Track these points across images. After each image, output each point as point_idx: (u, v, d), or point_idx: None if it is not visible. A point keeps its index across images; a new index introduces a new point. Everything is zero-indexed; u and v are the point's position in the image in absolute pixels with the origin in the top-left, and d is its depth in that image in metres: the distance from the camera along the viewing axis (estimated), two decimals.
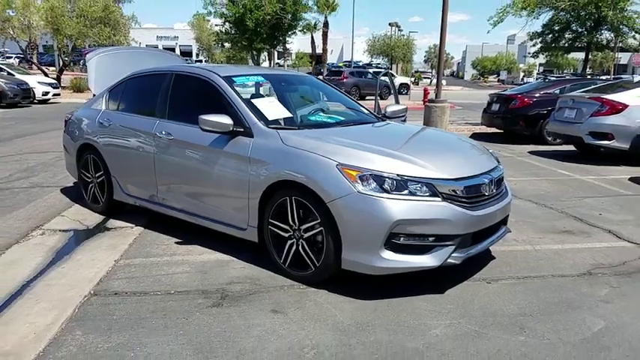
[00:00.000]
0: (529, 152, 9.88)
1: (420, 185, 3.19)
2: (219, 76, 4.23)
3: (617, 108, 8.33)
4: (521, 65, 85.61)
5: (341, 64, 50.64)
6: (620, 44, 21.02)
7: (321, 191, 3.23)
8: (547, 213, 5.43)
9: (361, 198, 3.12)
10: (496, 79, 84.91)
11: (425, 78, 63.94)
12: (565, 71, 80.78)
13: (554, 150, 10.17)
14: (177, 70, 4.61)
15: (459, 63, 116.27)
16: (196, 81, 4.41)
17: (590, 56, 58.05)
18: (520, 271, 3.79)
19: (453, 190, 3.27)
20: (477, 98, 26.63)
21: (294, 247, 3.52)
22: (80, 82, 28.02)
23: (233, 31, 15.47)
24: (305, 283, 3.47)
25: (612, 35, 18.71)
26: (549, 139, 10.80)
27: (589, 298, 3.34)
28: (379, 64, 72.52)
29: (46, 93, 21.40)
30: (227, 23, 15.22)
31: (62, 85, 25.86)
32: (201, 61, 51.35)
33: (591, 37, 18.39)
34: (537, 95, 11.61)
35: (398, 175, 3.18)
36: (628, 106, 8.28)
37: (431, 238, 3.21)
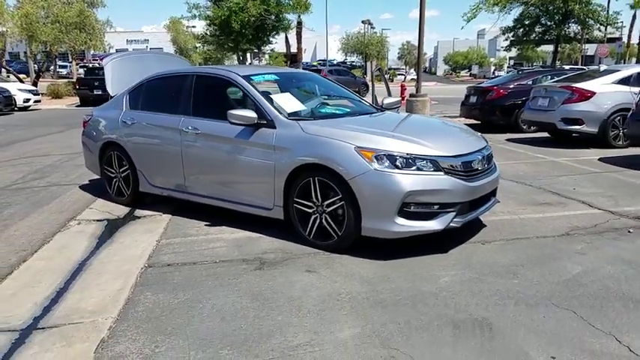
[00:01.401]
0: (506, 140, 10.62)
1: (425, 162, 3.80)
2: (239, 75, 4.77)
3: (586, 95, 9.11)
4: (492, 59, 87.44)
5: (315, 63, 51.15)
6: (587, 36, 22.17)
7: (342, 171, 3.81)
8: (527, 189, 6.11)
9: (377, 174, 3.71)
10: (468, 74, 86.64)
11: (399, 74, 64.94)
12: (535, 64, 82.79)
13: (529, 137, 10.92)
14: (197, 72, 5.14)
15: (430, 59, 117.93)
16: (218, 80, 4.95)
17: (559, 48, 59.98)
18: (508, 235, 4.43)
19: (453, 165, 3.89)
20: (450, 93, 27.59)
21: (317, 221, 4.09)
22: (58, 89, 28.03)
23: (218, 33, 15.92)
24: (329, 250, 4.04)
25: (579, 28, 19.79)
26: (524, 127, 11.58)
27: (568, 252, 3.99)
28: (353, 62, 73.38)
29: (27, 100, 21.42)
30: (212, 26, 15.65)
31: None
32: None
33: (560, 30, 19.45)
34: (512, 87, 12.37)
35: (407, 153, 3.79)
36: (595, 93, 9.06)
37: (436, 206, 3.82)
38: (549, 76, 12.34)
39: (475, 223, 4.58)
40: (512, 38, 21.57)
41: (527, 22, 20.07)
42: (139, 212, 5.44)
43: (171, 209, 5.42)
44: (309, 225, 4.14)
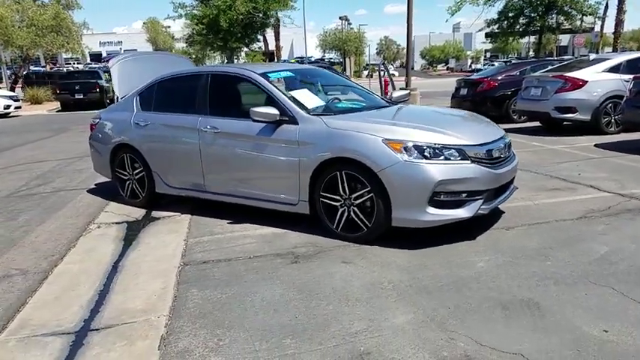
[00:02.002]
0: None
1: (452, 151, 3.89)
2: (256, 73, 4.81)
3: (579, 84, 9.34)
4: (468, 52, 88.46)
5: (293, 60, 51.17)
6: (570, 26, 22.65)
7: (371, 163, 3.88)
8: (534, 177, 6.27)
9: (407, 165, 3.80)
10: (445, 68, 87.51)
11: (380, 70, 65.18)
12: (510, 56, 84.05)
13: (521, 127, 11.15)
14: (212, 71, 5.15)
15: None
16: (235, 79, 4.99)
17: (533, 39, 60.94)
18: (529, 220, 4.56)
19: (478, 154, 3.99)
20: (430, 87, 27.93)
21: (345, 214, 4.16)
22: (38, 94, 27.52)
23: (205, 32, 15.81)
24: (358, 242, 4.11)
25: (562, 18, 20.22)
26: (515, 117, 11.82)
27: (590, 234, 4.14)
28: (331, 58, 73.45)
29: (8, 107, 21.04)
30: (199, 25, 15.54)
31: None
32: None
33: (543, 22, 19.85)
34: (501, 78, 12.62)
35: (435, 143, 3.88)
36: (587, 81, 9.30)
37: (464, 194, 3.92)
38: (537, 67, 12.58)
39: (494, 210, 4.69)
40: (496, 30, 21.93)
41: (510, 15, 20.47)
42: (156, 213, 5.44)
43: (189, 209, 5.43)
44: (337, 218, 4.21)
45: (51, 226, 5.11)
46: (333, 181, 4.17)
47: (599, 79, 9.37)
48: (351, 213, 4.12)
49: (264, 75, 4.81)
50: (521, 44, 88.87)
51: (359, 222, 4.09)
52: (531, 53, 79.00)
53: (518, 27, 21.10)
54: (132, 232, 4.86)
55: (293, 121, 4.39)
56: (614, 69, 9.55)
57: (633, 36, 52.03)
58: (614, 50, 28.90)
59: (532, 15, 20.06)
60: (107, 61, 6.29)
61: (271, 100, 4.59)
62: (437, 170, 3.79)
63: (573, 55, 59.23)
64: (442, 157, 3.86)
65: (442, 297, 3.11)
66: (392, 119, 4.41)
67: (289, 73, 5.12)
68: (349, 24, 70.41)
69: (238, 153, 4.71)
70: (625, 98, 8.11)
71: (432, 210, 3.83)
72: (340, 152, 4.04)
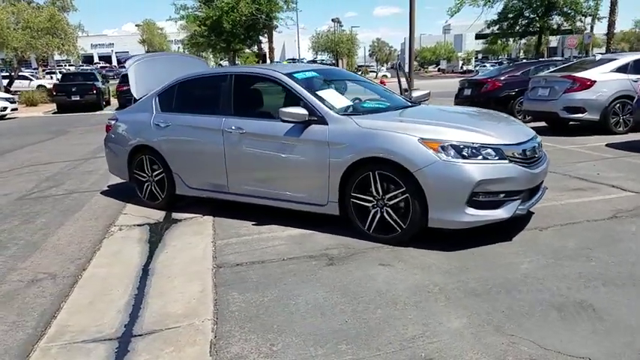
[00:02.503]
0: None
1: (490, 150, 3.84)
2: (282, 73, 4.73)
3: (587, 84, 9.35)
4: (459, 54, 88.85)
5: (285, 62, 51.16)
6: (570, 27, 22.80)
7: (407, 163, 3.82)
8: (555, 177, 6.23)
9: (445, 165, 3.74)
10: (436, 69, 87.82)
11: (371, 72, 65.34)
12: (500, 57, 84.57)
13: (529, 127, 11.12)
14: (235, 72, 5.07)
15: (398, 55, 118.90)
16: (260, 80, 4.94)
17: (524, 41, 61.34)
18: (560, 220, 4.51)
19: (515, 153, 3.94)
20: (427, 87, 27.87)
21: (378, 215, 4.09)
22: (33, 96, 27.26)
23: (207, 34, 15.66)
24: (391, 243, 4.04)
25: (562, 19, 20.37)
26: (520, 117, 11.79)
27: (625, 233, 4.10)
28: (323, 60, 73.55)
29: (4, 109, 20.77)
30: (202, 26, 15.39)
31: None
32: None
33: (543, 22, 19.99)
34: (505, 79, 12.62)
35: (472, 143, 3.82)
36: (596, 81, 9.31)
37: (502, 195, 3.86)
38: (540, 68, 12.60)
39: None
40: (496, 31, 22.05)
41: (510, 16, 20.57)
42: (176, 215, 5.34)
43: (209, 210, 5.34)
44: (369, 219, 4.14)
45: (71, 228, 5.00)
46: (365, 181, 4.10)
47: (607, 80, 9.39)
48: (384, 214, 4.05)
49: (290, 75, 4.73)
50: (512, 46, 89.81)
51: (392, 223, 4.02)
52: (521, 54, 79.54)
53: (517, 28, 21.23)
54: (155, 234, 4.76)
55: (322, 121, 4.32)
56: (621, 69, 9.56)
57: (624, 37, 52.62)
58: (607, 51, 29.20)
59: (531, 16, 20.20)
60: (124, 62, 6.16)
61: (299, 101, 4.51)
62: (476, 170, 3.73)
63: (562, 56, 59.93)
64: (480, 157, 3.80)
65: (493, 300, 3.05)
66: (422, 119, 4.34)
67: (314, 73, 5.05)
68: (341, 26, 70.67)
69: (265, 154, 4.63)
70: (636, 98, 8.11)
71: (470, 211, 3.77)
72: (374, 152, 3.97)
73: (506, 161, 3.86)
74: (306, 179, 4.44)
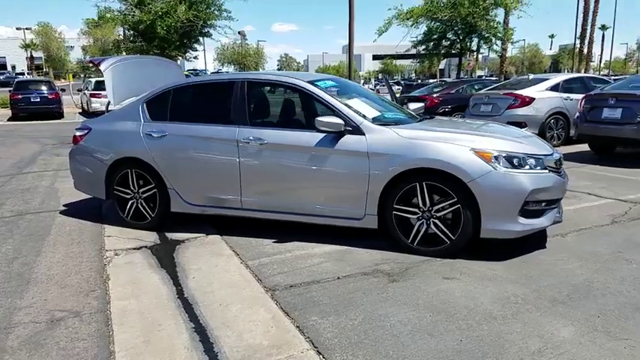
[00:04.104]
0: None
1: (533, 160, 3.91)
2: (305, 82, 4.49)
3: (527, 101, 10.07)
4: (360, 73, 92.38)
5: (186, 72, 49.89)
6: (488, 49, 24.68)
7: (460, 173, 3.76)
8: None
9: (499, 175, 3.73)
10: None
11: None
12: (395, 77, 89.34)
13: None
14: (248, 78, 4.70)
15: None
16: (279, 87, 4.66)
17: (418, 62, 65.19)
18: (570, 227, 4.65)
19: (550, 163, 4.05)
20: None
21: (424, 227, 3.98)
22: None
23: (137, 40, 14.59)
24: (437, 256, 3.94)
25: (482, 42, 22.00)
26: None
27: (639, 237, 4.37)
28: (228, 72, 72.62)
29: None
30: (131, 31, 14.32)
31: None
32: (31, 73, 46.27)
33: (464, 44, 21.43)
34: (437, 95, 13.22)
35: (520, 153, 3.87)
36: (535, 99, 10.06)
37: (544, 203, 3.95)
38: (473, 86, 13.40)
39: None
40: (423, 51, 23.25)
41: (435, 37, 21.83)
42: (173, 236, 4.82)
43: (212, 229, 4.90)
44: (414, 232, 4.02)
45: (55, 256, 4.31)
46: (409, 193, 3.98)
47: (544, 97, 10.19)
48: (431, 226, 3.95)
49: (314, 84, 4.51)
50: (405, 67, 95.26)
51: (441, 235, 3.93)
52: (413, 75, 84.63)
53: (441, 48, 22.59)
54: (163, 258, 4.25)
55: (357, 131, 4.15)
56: (554, 88, 10.45)
57: (511, 61, 58.03)
58: (501, 73, 32.05)
59: (453, 38, 21.61)
60: (98, 64, 5.51)
61: (327, 109, 4.30)
62: (527, 179, 3.78)
63: (449, 77, 64.92)
64: (527, 167, 3.85)
65: (580, 306, 3.06)
66: (458, 129, 4.34)
67: (333, 82, 4.85)
68: (245, 39, 70.34)
69: (291, 166, 4.34)
70: (578, 114, 8.84)
71: (522, 220, 3.80)
72: (424, 163, 3.86)
73: (547, 171, 3.95)
74: (340, 192, 4.22)
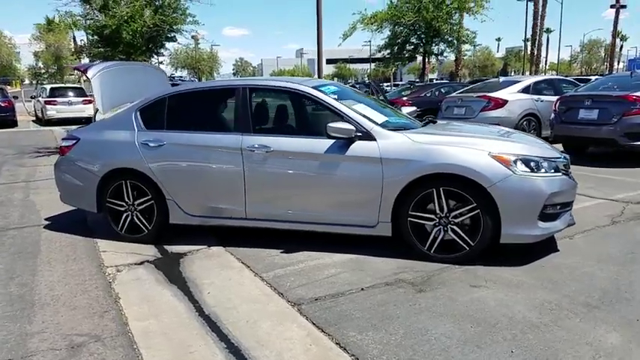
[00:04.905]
0: None
1: (548, 163, 3.93)
2: (310, 87, 4.38)
3: (500, 103, 10.25)
4: (315, 77, 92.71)
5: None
6: (452, 53, 25.21)
7: (480, 178, 3.73)
8: None
9: (519, 179, 3.73)
10: None
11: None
12: (349, 80, 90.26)
13: None
14: (250, 84, 4.54)
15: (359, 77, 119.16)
16: (285, 94, 4.53)
17: (374, 66, 65.88)
18: (574, 229, 4.61)
19: (561, 166, 4.08)
20: None
21: (441, 233, 3.93)
22: None
23: (101, 45, 13.98)
24: (455, 263, 3.90)
25: (445, 46, 22.46)
26: None
27: None
28: (182, 77, 71.36)
29: None
30: (94, 36, 13.69)
31: None
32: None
33: (428, 48, 21.78)
34: (411, 98, 13.35)
35: (535, 156, 3.88)
36: (508, 101, 10.26)
37: (558, 206, 3.97)
38: (442, 89, 13.59)
39: None
40: (389, 55, 23.46)
41: (399, 41, 22.07)
42: (173, 249, 4.60)
43: (213, 240, 4.71)
44: (430, 238, 3.97)
45: (54, 275, 4.02)
46: (425, 199, 3.93)
47: (516, 99, 10.41)
48: (449, 232, 3.91)
49: (319, 89, 4.40)
50: (357, 71, 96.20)
51: (459, 241, 3.90)
52: (367, 79, 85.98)
53: (405, 52, 22.88)
54: (169, 272, 4.03)
55: (367, 136, 4.06)
56: (525, 90, 10.69)
57: (464, 64, 59.49)
58: (455, 75, 32.87)
59: (416, 42, 21.95)
60: (84, 70, 5.20)
61: (336, 115, 4.20)
62: (545, 183, 3.79)
63: (401, 80, 66.10)
64: (543, 170, 3.86)
65: (615, 310, 3.08)
66: (469, 133, 4.33)
67: (336, 88, 4.75)
68: (197, 43, 69.37)
69: (299, 174, 4.22)
70: (553, 115, 9.07)
71: (541, 224, 3.81)
72: (442, 168, 3.81)
73: (560, 174, 3.98)
74: (352, 199, 4.13)
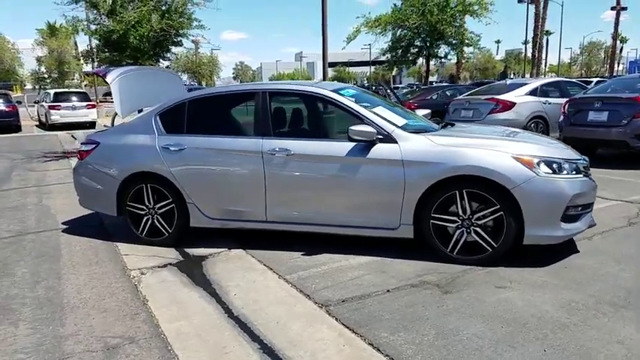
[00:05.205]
0: None
1: (569, 165, 3.96)
2: (330, 90, 4.42)
3: (508, 105, 10.29)
4: (315, 80, 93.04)
5: None
6: (456, 56, 25.28)
7: (504, 180, 3.76)
8: None
9: (542, 180, 3.76)
10: None
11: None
12: (349, 83, 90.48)
13: None
14: (269, 89, 4.58)
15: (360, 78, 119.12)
16: (304, 97, 4.57)
17: (373, 69, 66.09)
18: (592, 229, 4.66)
19: (582, 168, 4.11)
20: None
21: (464, 235, 3.96)
22: None
23: (107, 50, 14.07)
24: (478, 264, 3.92)
25: (449, 48, 22.52)
26: None
27: None
28: (184, 82, 71.57)
29: None
30: (101, 41, 13.75)
31: None
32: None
33: (433, 51, 21.88)
34: (416, 101, 13.40)
35: (557, 158, 3.91)
36: (516, 103, 10.30)
37: (579, 208, 4.00)
38: (448, 92, 13.65)
39: None
40: (392, 58, 23.55)
41: (403, 44, 22.17)
42: (193, 251, 4.63)
43: (233, 243, 4.74)
44: (452, 240, 4.00)
45: (79, 279, 4.05)
46: (447, 201, 3.96)
47: (524, 102, 10.44)
48: (472, 234, 3.94)
49: (338, 92, 4.44)
50: (357, 74, 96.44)
51: (482, 243, 3.92)
52: (366, 82, 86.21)
53: (409, 55, 22.96)
54: (193, 275, 4.07)
55: (389, 139, 4.10)
56: (532, 92, 10.71)
57: (465, 67, 59.56)
58: (458, 79, 32.94)
59: (421, 45, 22.03)
60: (103, 75, 5.24)
61: (356, 118, 4.23)
62: (568, 184, 3.82)
63: (401, 83, 66.26)
64: (565, 172, 3.90)
65: None
66: (490, 135, 4.38)
67: (354, 91, 4.79)
68: (198, 48, 69.62)
69: (321, 176, 4.25)
70: (562, 117, 9.12)
71: (564, 225, 3.84)
72: (466, 170, 3.85)
73: (581, 175, 4.02)
74: (373, 202, 4.16)
